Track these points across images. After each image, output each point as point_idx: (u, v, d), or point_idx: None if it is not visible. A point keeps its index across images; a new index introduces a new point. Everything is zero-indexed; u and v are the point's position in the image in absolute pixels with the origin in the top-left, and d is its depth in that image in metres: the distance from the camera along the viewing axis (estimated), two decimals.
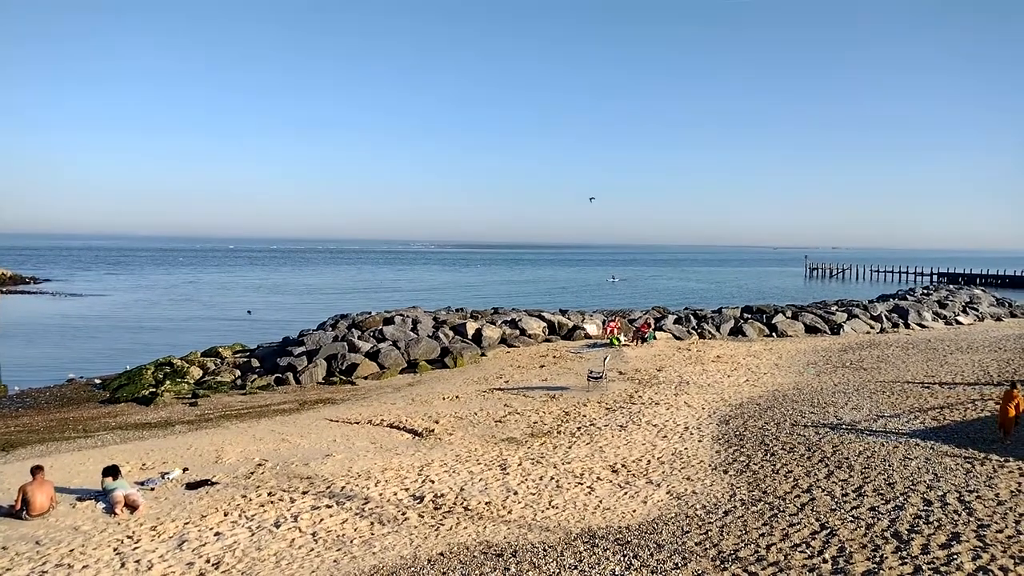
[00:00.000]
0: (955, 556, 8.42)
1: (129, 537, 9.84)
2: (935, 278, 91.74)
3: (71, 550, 9.42)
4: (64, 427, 18.90)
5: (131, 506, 10.86)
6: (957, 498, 10.54)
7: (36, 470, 11.04)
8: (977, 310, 41.79)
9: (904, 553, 8.59)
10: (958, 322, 38.78)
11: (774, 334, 34.18)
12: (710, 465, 12.98)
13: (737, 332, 34.26)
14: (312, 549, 9.37)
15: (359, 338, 28.72)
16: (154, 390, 23.67)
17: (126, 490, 11.10)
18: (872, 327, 35.90)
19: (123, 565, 8.92)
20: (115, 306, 55.51)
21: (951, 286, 62.19)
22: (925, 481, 11.44)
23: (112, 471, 11.52)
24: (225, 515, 10.66)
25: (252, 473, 12.98)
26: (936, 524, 9.51)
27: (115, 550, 9.40)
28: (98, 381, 26.41)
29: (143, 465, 13.69)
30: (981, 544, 8.75)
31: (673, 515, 10.38)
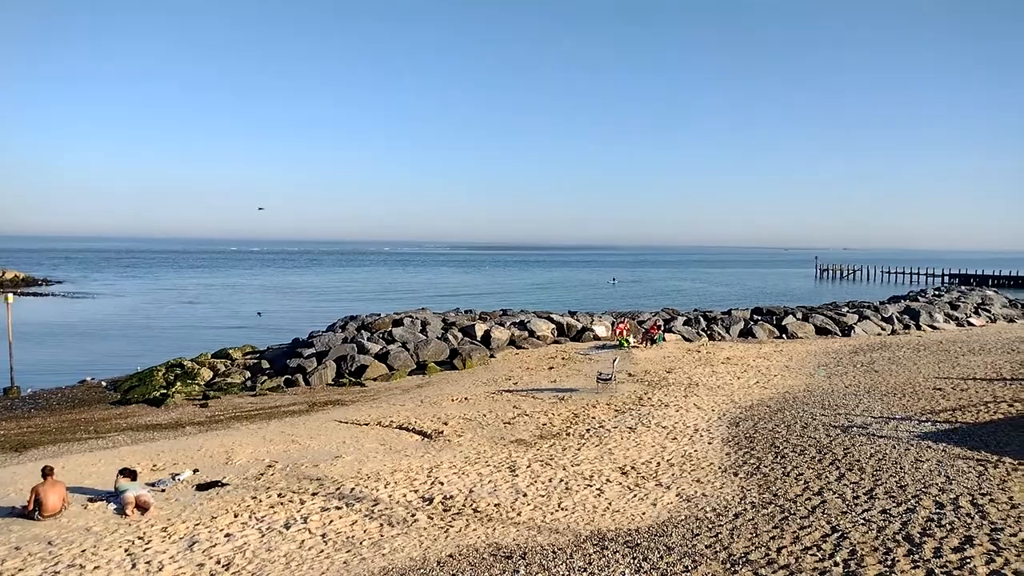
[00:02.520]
0: (968, 560, 8.34)
1: (140, 538, 9.89)
2: (946, 279, 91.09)
3: (83, 551, 9.48)
4: (76, 428, 19.03)
5: (142, 507, 10.92)
6: (970, 501, 10.45)
7: (47, 471, 11.12)
8: (989, 311, 41.46)
9: (916, 556, 8.53)
10: (970, 323, 38.49)
11: (784, 336, 34.03)
12: (720, 467, 12.93)
13: (747, 334, 34.12)
14: (322, 550, 9.39)
15: (368, 340, 28.78)
16: (165, 391, 23.79)
17: (137, 491, 11.15)
18: (883, 328, 35.69)
19: (134, 566, 8.97)
20: (126, 308, 55.87)
21: (963, 287, 61.75)
22: (937, 484, 11.35)
23: (129, 473, 11.60)
24: (235, 516, 10.70)
25: (262, 474, 13.02)
26: (949, 527, 9.43)
27: (126, 551, 9.45)
28: (107, 383, 26.56)
29: (154, 466, 13.76)
30: (995, 548, 8.67)
31: (683, 517, 10.34)
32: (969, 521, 9.63)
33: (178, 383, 25.01)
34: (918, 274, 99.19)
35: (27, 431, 18.81)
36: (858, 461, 12.85)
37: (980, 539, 8.97)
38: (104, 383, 26.59)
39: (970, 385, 20.38)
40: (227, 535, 9.96)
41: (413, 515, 10.68)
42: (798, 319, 35.81)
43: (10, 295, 30.56)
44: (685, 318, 36.38)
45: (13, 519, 10.74)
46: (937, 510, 10.13)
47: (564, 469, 13.02)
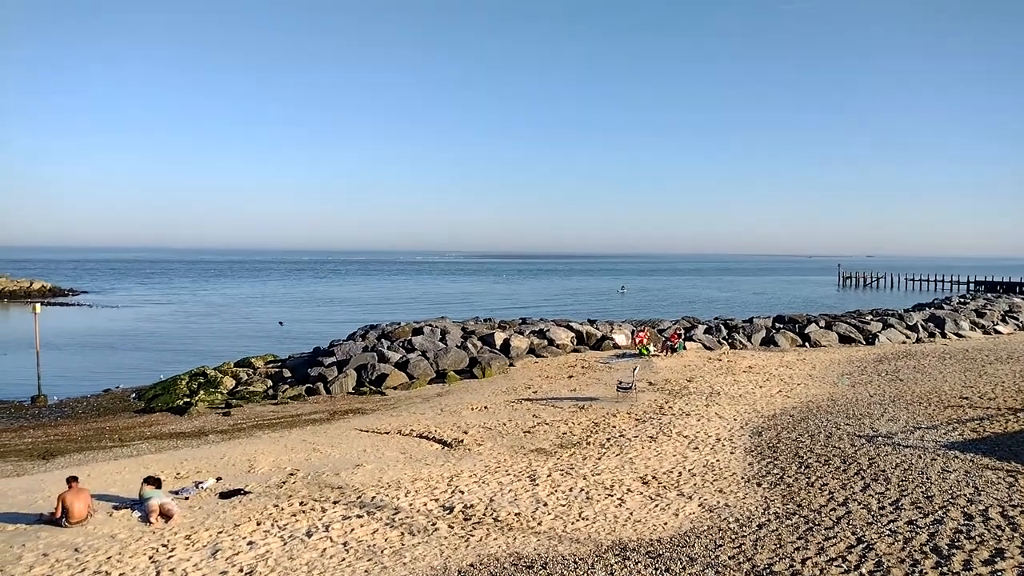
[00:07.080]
0: (999, 573, 8.19)
1: (164, 546, 9.99)
2: (972, 286, 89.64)
3: (108, 557, 9.59)
4: (101, 436, 19.27)
5: (166, 515, 11.02)
6: (1000, 513, 10.26)
7: (71, 480, 11.28)
8: (1017, 319, 40.76)
9: (945, 569, 8.38)
10: (997, 331, 37.86)
11: (807, 344, 33.68)
12: (743, 477, 12.81)
13: (769, 342, 33.82)
14: (343, 559, 9.43)
15: (388, 348, 28.89)
16: (188, 400, 24.04)
17: (161, 499, 11.27)
18: (908, 337, 35.19)
19: (158, 573, 9.06)
20: (150, 317, 56.60)
21: (989, 294, 60.85)
22: (965, 495, 11.16)
23: (153, 481, 11.72)
24: (258, 524, 10.77)
25: (284, 483, 13.10)
26: (978, 539, 9.26)
27: (150, 558, 9.55)
28: (132, 392, 26.89)
29: (177, 474, 13.90)
30: None
31: (706, 528, 10.25)
32: (999, 533, 9.45)
33: (201, 392, 25.26)
34: (943, 281, 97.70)
35: (53, 439, 19.09)
36: (883, 471, 12.67)
37: (1011, 552, 8.80)
38: (129, 392, 26.92)
39: (998, 394, 20.03)
40: (250, 543, 10.02)
41: (434, 524, 10.69)
42: (821, 327, 35.43)
43: (37, 305, 31.17)
44: (706, 326, 36.12)
45: (41, 526, 10.90)
46: (966, 521, 9.95)
47: (584, 478, 12.97)
